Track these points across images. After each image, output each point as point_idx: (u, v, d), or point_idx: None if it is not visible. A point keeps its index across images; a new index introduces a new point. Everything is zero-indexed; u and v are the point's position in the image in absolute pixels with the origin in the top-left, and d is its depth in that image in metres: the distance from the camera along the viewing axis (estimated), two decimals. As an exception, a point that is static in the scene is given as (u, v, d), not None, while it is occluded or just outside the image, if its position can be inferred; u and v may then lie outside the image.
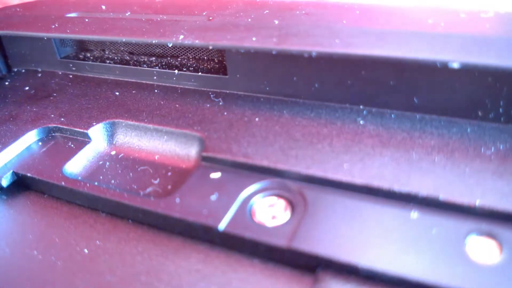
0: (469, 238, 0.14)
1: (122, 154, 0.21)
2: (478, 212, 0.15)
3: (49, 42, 0.28)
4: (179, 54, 0.27)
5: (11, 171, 0.20)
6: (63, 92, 0.26)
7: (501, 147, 0.17)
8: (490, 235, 0.14)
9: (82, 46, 0.30)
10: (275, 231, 0.16)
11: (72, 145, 0.22)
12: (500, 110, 0.18)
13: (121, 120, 0.22)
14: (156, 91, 0.25)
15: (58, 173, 0.20)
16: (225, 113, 0.21)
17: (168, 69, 0.25)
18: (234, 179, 0.18)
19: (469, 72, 0.18)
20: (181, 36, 0.22)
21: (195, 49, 0.26)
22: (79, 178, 0.20)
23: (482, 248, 0.14)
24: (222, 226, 0.16)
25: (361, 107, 0.20)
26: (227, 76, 0.23)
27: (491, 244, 0.14)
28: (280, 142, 0.19)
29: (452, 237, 0.15)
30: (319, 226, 0.16)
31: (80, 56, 0.29)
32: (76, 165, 0.21)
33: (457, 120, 0.19)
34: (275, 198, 0.17)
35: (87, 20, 0.26)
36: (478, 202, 0.15)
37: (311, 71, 0.21)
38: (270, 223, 0.16)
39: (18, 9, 0.33)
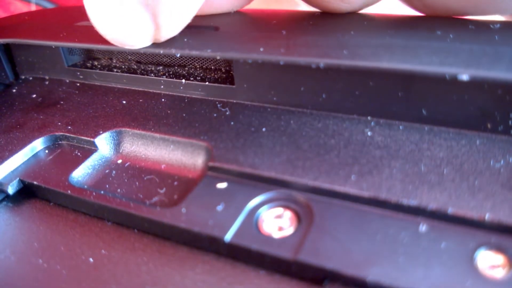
0: (478, 252, 0.14)
1: (128, 163, 0.21)
2: (487, 226, 0.15)
3: (57, 50, 0.28)
4: (186, 63, 0.27)
5: (18, 178, 0.21)
6: (70, 100, 0.26)
7: (510, 160, 0.17)
8: (500, 249, 0.14)
9: (89, 54, 0.30)
10: (282, 243, 0.16)
11: (79, 154, 0.22)
12: (510, 122, 0.18)
13: (127, 129, 0.22)
14: (163, 100, 0.25)
15: (64, 181, 0.20)
16: (232, 123, 0.21)
17: (175, 79, 0.25)
18: (240, 190, 0.18)
19: (479, 84, 0.17)
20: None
21: (202, 59, 0.26)
22: (85, 186, 0.20)
23: (491, 262, 0.14)
24: (228, 237, 0.16)
25: (369, 118, 0.20)
26: (234, 86, 0.23)
27: (501, 258, 0.14)
28: (287, 153, 0.19)
29: (461, 251, 0.14)
30: (327, 238, 0.15)
31: (88, 64, 0.29)
32: (83, 174, 0.21)
33: (466, 132, 0.19)
34: (281, 209, 0.17)
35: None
36: (487, 216, 0.15)
37: (319, 82, 0.21)
38: (276, 234, 0.16)
39: (26, 17, 0.33)
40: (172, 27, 0.21)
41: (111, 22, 0.21)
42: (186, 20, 0.21)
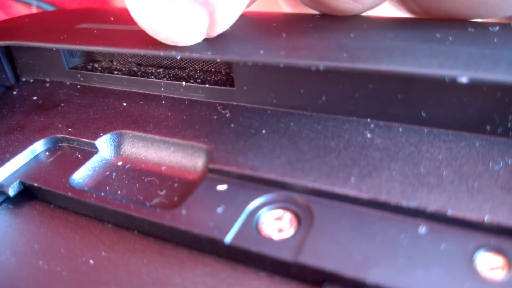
0: (477, 254, 0.14)
1: (128, 165, 0.22)
2: (486, 228, 0.15)
3: (58, 53, 0.28)
4: (187, 66, 0.27)
5: (18, 180, 0.21)
6: (70, 102, 0.26)
7: (509, 162, 0.17)
8: (499, 251, 0.14)
9: (90, 57, 0.30)
10: (282, 245, 0.16)
11: (79, 156, 0.22)
12: (509, 124, 0.18)
13: (128, 131, 0.22)
14: (163, 102, 0.25)
15: (64, 183, 0.20)
16: (232, 125, 0.22)
17: (176, 81, 0.25)
18: (240, 192, 0.18)
19: (478, 86, 0.17)
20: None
21: (203, 61, 0.26)
22: (86, 188, 0.20)
23: (491, 264, 0.14)
24: (228, 238, 0.16)
25: (368, 120, 0.20)
26: (234, 88, 0.23)
27: (500, 260, 0.14)
28: (287, 155, 0.19)
29: (460, 252, 0.14)
30: (326, 240, 0.15)
31: (88, 66, 0.29)
32: (83, 176, 0.21)
33: (465, 134, 0.19)
34: (281, 211, 0.17)
35: (96, 31, 0.27)
36: (486, 217, 0.15)
37: (319, 84, 0.21)
38: (276, 236, 0.16)
39: (27, 20, 0.33)
40: (226, 22, 0.22)
41: (165, 21, 0.21)
42: (239, 14, 0.22)
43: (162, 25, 0.21)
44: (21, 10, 0.59)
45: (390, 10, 0.28)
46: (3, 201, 0.21)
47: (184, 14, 0.20)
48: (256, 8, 0.29)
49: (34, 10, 0.59)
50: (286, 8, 0.35)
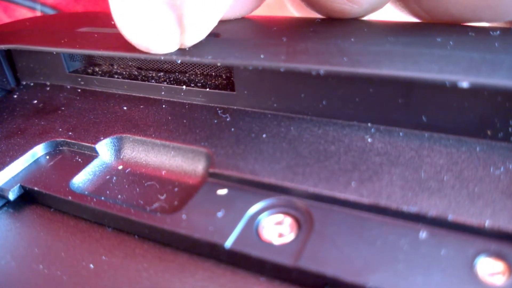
0: (478, 259, 0.14)
1: (129, 169, 0.22)
2: (487, 233, 0.15)
3: (58, 57, 0.28)
4: (187, 70, 0.27)
5: (19, 184, 0.21)
6: (71, 106, 0.26)
7: (510, 167, 0.17)
8: (500, 256, 0.14)
9: (91, 60, 0.30)
10: (282, 249, 0.16)
11: (80, 160, 0.22)
12: (510, 129, 0.18)
13: (128, 135, 0.22)
14: (164, 106, 0.25)
15: (65, 187, 0.20)
16: (233, 129, 0.22)
17: (176, 85, 0.25)
18: (241, 196, 0.18)
19: (479, 91, 0.17)
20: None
21: (203, 65, 0.26)
22: (86, 192, 0.20)
23: (491, 269, 0.14)
24: (228, 243, 0.16)
25: (369, 124, 0.20)
26: (234, 92, 0.23)
27: (500, 265, 0.14)
28: (287, 159, 0.19)
29: (461, 257, 0.14)
30: (326, 245, 0.15)
31: (89, 70, 0.29)
32: (83, 180, 0.21)
33: (466, 139, 0.19)
34: (282, 215, 0.17)
35: (96, 35, 0.27)
36: (487, 222, 0.15)
37: (319, 88, 0.21)
38: (277, 241, 0.16)
39: (28, 23, 0.33)
40: (197, 30, 0.21)
41: (136, 25, 0.20)
42: (212, 23, 0.21)
43: (135, 30, 0.21)
44: (24, 13, 0.59)
45: (393, 13, 0.28)
46: (3, 205, 0.21)
47: (154, 19, 0.20)
48: (260, 12, 0.29)
49: (38, 14, 0.59)
50: (295, 13, 0.35)
